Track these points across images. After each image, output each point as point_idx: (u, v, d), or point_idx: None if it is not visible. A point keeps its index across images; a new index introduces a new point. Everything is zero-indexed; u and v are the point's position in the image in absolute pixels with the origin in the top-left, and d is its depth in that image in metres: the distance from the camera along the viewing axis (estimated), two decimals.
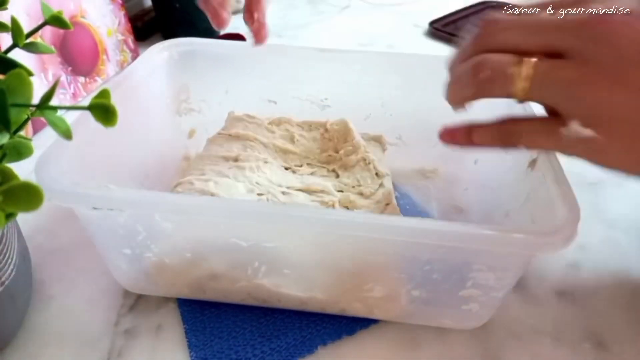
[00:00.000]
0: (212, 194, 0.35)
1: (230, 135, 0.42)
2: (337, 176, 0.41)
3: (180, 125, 0.46)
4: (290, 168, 0.41)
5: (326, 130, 0.44)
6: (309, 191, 0.38)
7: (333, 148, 0.43)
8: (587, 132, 0.24)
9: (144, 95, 0.40)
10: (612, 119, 0.24)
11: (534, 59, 0.25)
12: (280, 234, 0.30)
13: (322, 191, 0.38)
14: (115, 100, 0.32)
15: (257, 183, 0.38)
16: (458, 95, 0.28)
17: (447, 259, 0.29)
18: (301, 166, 0.41)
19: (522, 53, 0.25)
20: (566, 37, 0.25)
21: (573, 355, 0.33)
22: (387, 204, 0.37)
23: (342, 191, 0.39)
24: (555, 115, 0.26)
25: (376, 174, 0.40)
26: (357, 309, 0.33)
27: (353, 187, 0.39)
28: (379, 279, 0.31)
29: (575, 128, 0.25)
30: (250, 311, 0.34)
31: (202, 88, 0.46)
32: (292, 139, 0.43)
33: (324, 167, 0.42)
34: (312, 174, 0.41)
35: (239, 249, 0.30)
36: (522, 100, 0.26)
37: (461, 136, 0.29)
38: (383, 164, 0.42)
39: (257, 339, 0.33)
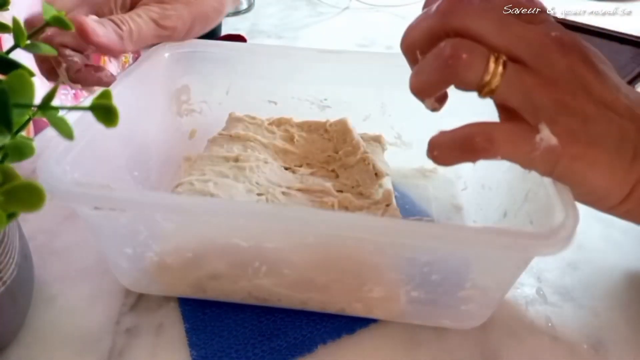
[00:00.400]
0: (212, 195, 0.35)
1: (230, 135, 0.43)
2: (337, 176, 0.41)
3: (181, 126, 0.46)
4: (290, 168, 0.41)
5: (326, 130, 0.44)
6: (308, 191, 0.38)
7: (333, 148, 0.43)
8: (554, 141, 0.26)
9: (144, 96, 0.41)
10: (568, 126, 0.26)
11: (504, 59, 0.26)
12: (279, 235, 0.30)
13: (321, 191, 0.38)
14: (115, 101, 0.32)
15: (257, 183, 0.38)
16: (425, 79, 0.27)
17: (446, 260, 0.29)
18: (301, 166, 0.42)
19: (489, 47, 0.26)
20: (529, 49, 0.26)
21: (571, 355, 0.33)
22: (387, 205, 0.37)
23: (341, 191, 0.39)
24: (510, 120, 0.27)
25: (375, 174, 0.40)
26: (356, 309, 0.33)
27: (352, 187, 0.40)
28: (378, 280, 0.31)
29: (547, 134, 0.25)
30: (251, 310, 0.35)
31: (203, 89, 0.46)
32: (291, 140, 0.43)
33: (323, 168, 0.42)
34: (311, 174, 0.41)
35: (239, 249, 0.30)
36: (486, 95, 0.26)
37: (429, 151, 0.27)
38: (383, 164, 0.42)
39: (257, 338, 0.33)
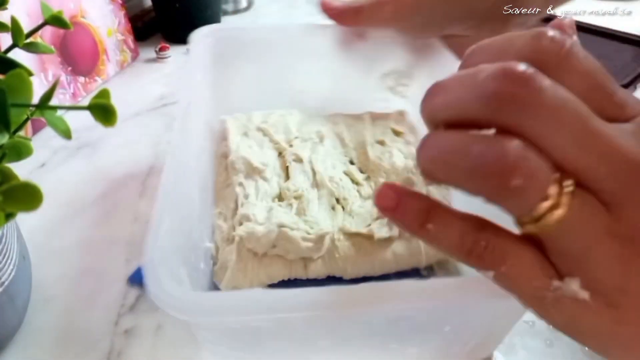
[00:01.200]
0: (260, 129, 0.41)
1: (356, 116, 0.45)
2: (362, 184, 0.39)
3: (388, 101, 0.48)
4: (351, 162, 0.41)
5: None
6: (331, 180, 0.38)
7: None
8: (583, 295, 0.18)
9: (368, 54, 0.43)
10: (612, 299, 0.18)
11: (572, 187, 0.17)
12: None
13: (336, 182, 0.37)
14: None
15: (291, 144, 0.41)
16: (448, 168, 0.18)
17: None
18: (363, 173, 0.40)
19: (555, 166, 0.17)
20: (613, 176, 0.17)
21: (573, 356, 0.33)
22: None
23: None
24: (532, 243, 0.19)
25: None
26: None
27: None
28: None
29: (573, 287, 0.18)
30: None
31: (424, 81, 0.44)
32: (381, 149, 0.41)
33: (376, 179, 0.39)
34: (367, 178, 0.39)
35: None
36: (530, 232, 0.18)
37: (412, 211, 0.19)
38: None
39: None
